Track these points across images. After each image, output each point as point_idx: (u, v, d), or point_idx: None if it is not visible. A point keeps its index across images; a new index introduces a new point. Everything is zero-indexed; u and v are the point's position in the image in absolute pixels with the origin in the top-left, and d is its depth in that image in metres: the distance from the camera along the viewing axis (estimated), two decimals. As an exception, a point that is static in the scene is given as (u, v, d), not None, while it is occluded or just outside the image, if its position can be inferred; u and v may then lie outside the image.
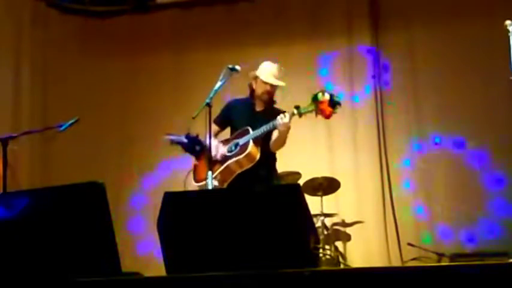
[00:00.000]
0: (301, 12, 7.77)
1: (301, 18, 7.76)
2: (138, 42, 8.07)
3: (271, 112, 4.85)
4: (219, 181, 4.68)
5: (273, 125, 4.64)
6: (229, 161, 4.74)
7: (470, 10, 7.22)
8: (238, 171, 4.73)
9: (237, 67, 4.81)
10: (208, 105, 4.65)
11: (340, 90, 7.50)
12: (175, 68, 7.92)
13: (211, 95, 4.64)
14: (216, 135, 4.93)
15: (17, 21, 7.75)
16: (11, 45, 7.66)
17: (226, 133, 5.06)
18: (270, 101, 4.95)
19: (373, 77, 7.52)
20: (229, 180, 4.75)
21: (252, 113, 4.93)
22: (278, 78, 4.90)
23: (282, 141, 4.75)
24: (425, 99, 7.36)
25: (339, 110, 4.67)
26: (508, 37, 4.42)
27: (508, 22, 4.45)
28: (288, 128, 4.66)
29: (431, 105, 7.33)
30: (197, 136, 4.88)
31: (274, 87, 4.90)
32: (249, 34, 7.58)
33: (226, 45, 7.47)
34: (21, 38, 7.77)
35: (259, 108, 4.97)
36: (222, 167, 4.75)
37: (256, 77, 4.91)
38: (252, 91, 4.96)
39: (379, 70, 7.54)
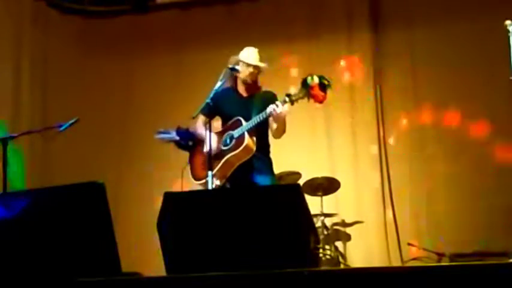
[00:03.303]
0: (301, 12, 7.77)
1: (301, 18, 7.77)
2: (138, 42, 8.07)
3: (259, 97, 4.86)
4: (219, 178, 4.68)
5: (266, 114, 4.62)
6: (227, 156, 4.72)
7: (470, 10, 7.22)
8: (237, 164, 4.71)
9: (237, 67, 4.81)
10: (209, 105, 4.65)
11: (340, 90, 7.52)
12: (175, 68, 7.92)
13: (211, 95, 4.64)
14: (205, 125, 4.81)
15: (17, 21, 7.74)
16: (11, 45, 7.66)
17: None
18: (254, 84, 4.93)
19: (373, 77, 7.52)
20: (228, 174, 4.74)
21: (240, 100, 4.90)
22: (260, 61, 4.92)
23: (281, 129, 4.76)
24: (425, 99, 7.36)
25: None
26: (508, 37, 4.42)
27: (508, 22, 4.45)
28: (284, 116, 4.65)
29: (431, 105, 7.33)
30: (187, 129, 4.86)
31: (257, 68, 4.89)
32: (249, 34, 7.58)
33: (226, 45, 7.46)
34: (21, 38, 7.76)
35: (245, 93, 4.94)
36: (221, 163, 4.72)
37: (238, 62, 4.86)
38: (235, 79, 4.93)
39: (379, 70, 7.54)
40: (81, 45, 8.09)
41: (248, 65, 4.86)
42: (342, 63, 7.65)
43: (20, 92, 7.65)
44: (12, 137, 5.37)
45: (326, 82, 4.57)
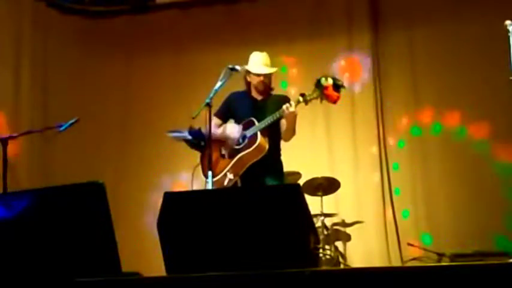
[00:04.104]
0: (301, 12, 7.77)
1: (302, 18, 7.77)
2: (138, 42, 8.07)
3: (273, 100, 4.91)
4: (232, 174, 4.73)
5: (279, 114, 4.69)
6: (240, 154, 4.78)
7: (470, 10, 7.22)
8: (249, 163, 4.77)
9: (237, 67, 4.82)
10: (208, 105, 4.66)
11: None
12: (175, 68, 7.92)
13: (211, 95, 4.65)
14: (218, 127, 4.95)
15: (17, 21, 7.74)
16: (11, 45, 7.65)
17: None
18: (267, 89, 4.98)
19: (373, 77, 7.52)
20: (240, 173, 4.79)
21: (254, 104, 4.97)
22: (269, 65, 4.95)
23: (292, 130, 4.82)
24: (425, 99, 7.36)
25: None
26: (508, 37, 4.42)
27: (508, 22, 4.45)
28: (295, 117, 4.72)
29: (431, 105, 7.33)
30: (199, 130, 4.89)
31: (267, 75, 4.93)
32: (248, 34, 7.59)
33: (226, 45, 7.48)
34: (21, 38, 7.75)
35: (259, 98, 4.99)
36: (234, 161, 4.79)
37: (248, 71, 4.93)
38: (248, 84, 4.98)
39: (379, 70, 7.55)
40: (81, 45, 8.09)
41: (257, 74, 4.91)
42: (342, 63, 7.65)
43: (20, 92, 7.65)
44: (12, 137, 5.38)
45: (339, 83, 4.68)
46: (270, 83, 4.99)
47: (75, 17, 8.20)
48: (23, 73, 7.70)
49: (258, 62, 4.93)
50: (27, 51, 7.77)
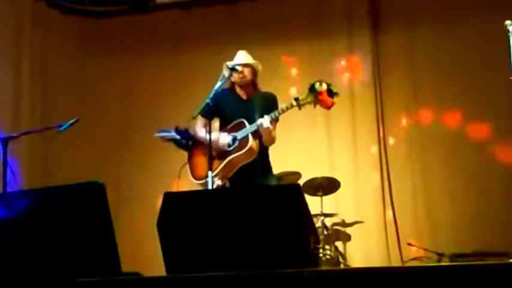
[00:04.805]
0: (301, 12, 7.77)
1: (301, 18, 7.77)
2: (138, 43, 8.07)
3: (260, 98, 4.87)
4: (220, 178, 4.68)
5: (256, 126, 4.64)
6: (231, 157, 4.71)
7: (470, 10, 7.22)
8: (239, 165, 4.71)
9: (237, 67, 4.81)
10: (209, 105, 4.65)
11: (340, 90, 7.50)
12: (175, 68, 7.92)
13: (211, 95, 4.64)
14: (205, 127, 4.76)
15: (17, 21, 7.74)
16: (11, 45, 7.66)
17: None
18: (251, 84, 4.92)
19: (373, 77, 7.53)
20: (229, 175, 4.74)
21: (240, 103, 4.90)
22: (250, 59, 4.91)
23: (268, 141, 4.76)
24: (425, 99, 7.37)
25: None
26: (508, 37, 4.42)
27: (508, 22, 4.45)
28: (270, 132, 4.65)
29: (431, 105, 7.33)
30: (186, 130, 4.86)
31: (246, 67, 4.86)
32: (249, 34, 7.59)
33: (226, 45, 7.46)
34: (21, 38, 7.76)
35: (245, 96, 4.93)
36: (224, 163, 4.72)
37: (231, 70, 4.83)
38: (233, 84, 4.91)
39: (379, 70, 7.54)
40: (81, 45, 8.09)
41: (232, 68, 4.83)
42: (342, 63, 7.66)
43: (20, 92, 7.65)
44: (12, 137, 5.38)
45: (334, 90, 4.61)
46: (255, 78, 4.91)
47: (75, 17, 8.20)
48: (23, 73, 7.70)
49: (237, 56, 4.90)
50: (27, 51, 7.78)
